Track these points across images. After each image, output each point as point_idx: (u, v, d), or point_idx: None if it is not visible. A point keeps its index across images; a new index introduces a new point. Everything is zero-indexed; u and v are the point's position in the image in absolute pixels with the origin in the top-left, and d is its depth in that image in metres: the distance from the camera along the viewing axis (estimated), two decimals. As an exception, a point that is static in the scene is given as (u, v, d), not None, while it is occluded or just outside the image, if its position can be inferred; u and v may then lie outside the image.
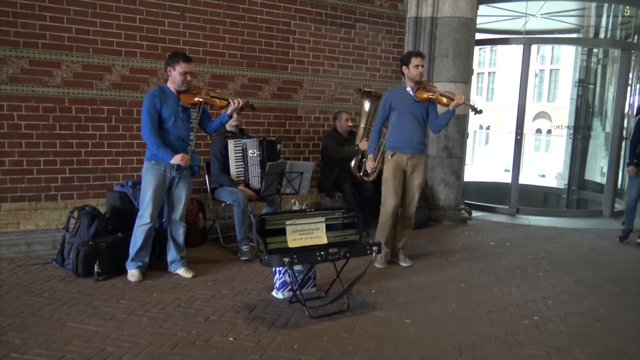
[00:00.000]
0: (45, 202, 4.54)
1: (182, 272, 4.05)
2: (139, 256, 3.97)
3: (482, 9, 6.80)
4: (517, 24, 7.99)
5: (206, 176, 4.97)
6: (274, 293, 3.69)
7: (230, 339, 2.98)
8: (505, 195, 7.36)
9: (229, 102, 4.04)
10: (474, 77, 6.79)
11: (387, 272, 4.29)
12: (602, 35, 8.40)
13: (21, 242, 4.45)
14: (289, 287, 3.61)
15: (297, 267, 3.55)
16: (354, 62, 6.03)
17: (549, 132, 30.01)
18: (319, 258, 3.31)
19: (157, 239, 4.18)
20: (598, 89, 8.66)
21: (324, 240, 3.56)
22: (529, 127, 28.25)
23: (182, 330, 3.07)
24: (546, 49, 31.84)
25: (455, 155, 6.37)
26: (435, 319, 3.39)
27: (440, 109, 4.44)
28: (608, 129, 7.90)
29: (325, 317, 3.32)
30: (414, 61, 4.29)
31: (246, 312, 3.38)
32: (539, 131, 31.36)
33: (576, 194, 8.48)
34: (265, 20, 5.38)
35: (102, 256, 3.90)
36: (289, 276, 3.52)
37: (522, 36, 7.62)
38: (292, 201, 4.41)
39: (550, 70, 33.91)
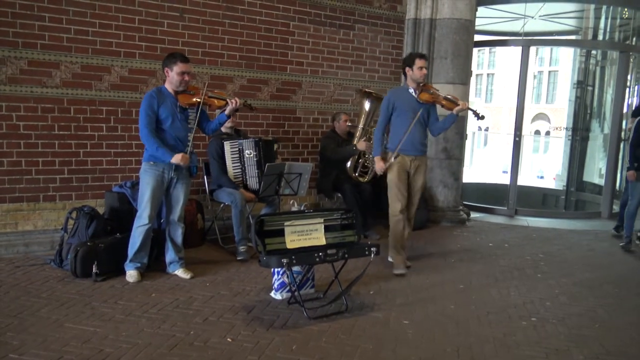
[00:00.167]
0: (43, 202, 4.53)
1: (180, 272, 4.04)
2: (138, 257, 3.96)
3: (481, 11, 6.81)
4: (515, 26, 8.00)
5: (205, 177, 4.97)
6: (272, 294, 3.69)
7: (228, 339, 2.98)
8: (503, 197, 7.37)
9: (227, 102, 4.04)
10: (473, 79, 6.79)
11: (385, 274, 4.29)
12: (600, 37, 8.42)
13: (19, 243, 4.44)
14: (288, 288, 3.61)
15: (295, 268, 3.55)
16: (352, 64, 6.03)
17: (548, 133, 30.05)
18: (317, 259, 3.31)
19: (156, 239, 4.18)
20: (596, 90, 8.68)
21: (322, 241, 3.56)
22: (527, 128, 28.28)
23: (181, 331, 3.07)
24: (545, 50, 31.85)
25: (454, 157, 6.37)
26: (433, 320, 3.39)
27: (440, 111, 4.45)
28: (606, 130, 7.91)
29: (323, 318, 3.32)
30: (418, 63, 4.28)
31: (244, 313, 3.38)
32: (537, 133, 31.40)
33: (574, 196, 8.49)
34: (264, 21, 5.38)
35: (100, 257, 3.89)
36: (288, 277, 3.52)
37: (520, 38, 7.63)
38: (291, 202, 4.42)
39: (549, 71, 33.95)
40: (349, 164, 5.41)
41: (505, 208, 7.14)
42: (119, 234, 4.14)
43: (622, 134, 7.21)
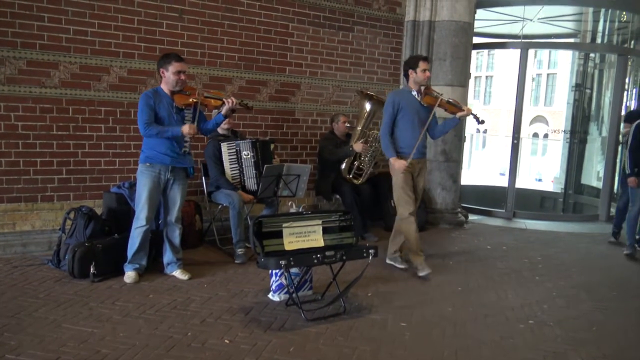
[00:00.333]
0: (41, 202, 4.52)
1: (178, 274, 4.04)
2: (136, 258, 3.96)
3: (480, 13, 6.83)
4: (514, 28, 8.01)
5: (203, 178, 4.96)
6: (270, 295, 3.69)
7: (226, 341, 2.98)
8: (502, 199, 7.37)
9: (224, 102, 4.04)
10: (471, 81, 6.81)
11: (383, 276, 4.30)
12: (599, 40, 8.44)
13: (17, 243, 4.43)
14: (285, 289, 3.61)
15: (293, 270, 3.54)
16: (351, 65, 6.04)
17: (546, 136, 30.10)
18: (315, 261, 3.31)
19: (154, 241, 4.17)
20: (595, 93, 8.69)
21: (320, 243, 3.56)
22: (525, 131, 28.31)
23: (178, 332, 3.07)
24: (543, 53, 31.90)
25: (453, 159, 6.38)
26: (431, 322, 3.39)
27: (439, 113, 4.46)
28: (604, 133, 7.93)
29: (321, 320, 3.32)
30: (422, 65, 4.29)
31: (242, 314, 3.38)
32: (535, 135, 31.46)
33: (572, 198, 8.50)
34: (263, 22, 5.38)
35: (98, 257, 3.89)
36: (286, 279, 3.53)
37: (519, 40, 7.65)
38: (289, 203, 4.42)
39: (547, 74, 34.02)
40: (343, 165, 5.42)
41: (504, 210, 7.15)
42: (116, 234, 4.14)
43: (620, 137, 7.22)
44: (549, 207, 9.10)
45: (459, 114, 4.33)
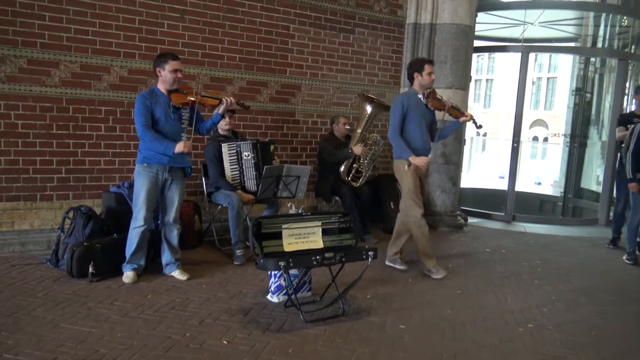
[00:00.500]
0: (40, 202, 4.52)
1: (177, 274, 4.03)
2: (135, 259, 3.95)
3: (481, 17, 6.83)
4: (515, 32, 8.02)
5: (203, 179, 4.96)
6: (269, 297, 3.68)
7: (224, 342, 2.97)
8: (501, 202, 7.37)
9: (221, 101, 4.03)
10: (472, 84, 6.81)
11: (382, 278, 4.29)
12: (599, 44, 8.44)
13: (15, 242, 4.42)
14: (284, 291, 3.60)
15: (292, 271, 3.54)
16: (352, 67, 6.04)
17: (546, 140, 30.11)
18: (314, 262, 3.31)
19: (152, 241, 4.17)
20: (595, 97, 8.69)
21: (320, 244, 3.56)
22: (525, 134, 28.29)
23: (176, 332, 3.06)
24: (544, 57, 31.94)
25: (452, 162, 6.38)
26: (430, 324, 3.39)
27: (439, 116, 4.46)
28: (604, 137, 7.93)
29: (320, 321, 3.32)
30: (427, 68, 4.31)
31: (241, 315, 3.37)
32: (535, 139, 31.47)
33: (572, 202, 8.50)
34: (264, 23, 5.38)
35: (96, 257, 3.88)
36: (285, 280, 3.52)
37: (520, 44, 7.65)
38: (289, 205, 4.41)
39: (548, 78, 34.04)
40: (342, 167, 5.41)
41: (503, 214, 7.14)
42: (115, 234, 4.13)
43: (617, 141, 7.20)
44: (549, 210, 9.10)
45: (461, 119, 4.39)
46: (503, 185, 7.70)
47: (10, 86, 4.30)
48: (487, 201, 8.06)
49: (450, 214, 6.42)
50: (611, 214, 7.26)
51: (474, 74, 6.94)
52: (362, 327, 3.27)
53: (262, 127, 5.52)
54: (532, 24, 7.67)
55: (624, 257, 5.30)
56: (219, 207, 4.83)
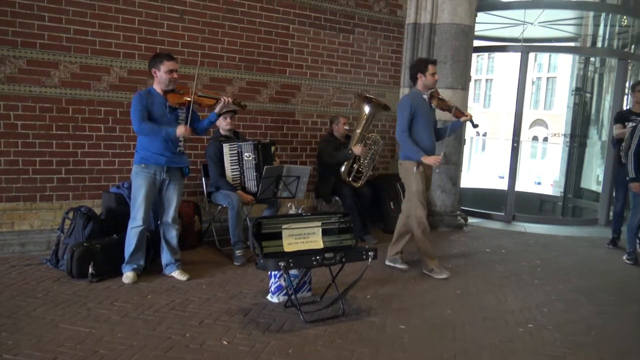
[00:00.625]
0: (40, 202, 4.52)
1: (176, 274, 4.03)
2: (134, 259, 3.95)
3: (481, 17, 6.83)
4: (515, 32, 8.02)
5: (203, 179, 4.96)
6: (268, 297, 3.68)
7: (224, 342, 2.97)
8: (501, 202, 7.37)
9: (217, 101, 4.03)
10: (471, 84, 6.81)
11: (382, 278, 4.29)
12: (599, 44, 8.44)
13: (15, 242, 4.42)
14: (284, 291, 3.60)
15: (292, 272, 3.54)
16: (352, 67, 6.04)
17: (546, 139, 30.11)
18: (314, 262, 3.31)
19: (152, 241, 4.17)
20: (595, 97, 8.69)
21: (320, 244, 3.56)
22: (525, 134, 28.30)
23: (176, 333, 3.06)
24: (543, 56, 31.94)
25: (452, 162, 6.38)
26: (430, 325, 3.39)
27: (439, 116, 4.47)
28: (604, 137, 7.93)
29: (320, 322, 3.32)
30: (431, 69, 4.31)
31: (241, 315, 3.37)
32: (535, 139, 31.46)
33: (572, 202, 8.50)
34: (264, 24, 5.38)
35: (96, 258, 3.88)
36: (285, 280, 3.52)
37: (520, 44, 7.65)
38: (289, 205, 4.41)
39: (548, 78, 34.04)
40: (343, 168, 5.41)
41: (503, 214, 7.14)
42: (115, 234, 4.12)
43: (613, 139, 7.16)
44: (549, 210, 9.10)
45: (462, 118, 4.41)
46: (503, 185, 7.70)
47: (10, 87, 4.29)
48: (487, 201, 8.06)
49: (450, 214, 6.42)
50: (611, 214, 7.27)
51: (473, 74, 6.94)
52: (362, 328, 3.27)
53: (261, 127, 5.52)
54: (531, 23, 7.67)
55: (624, 257, 5.29)
56: (219, 208, 4.83)
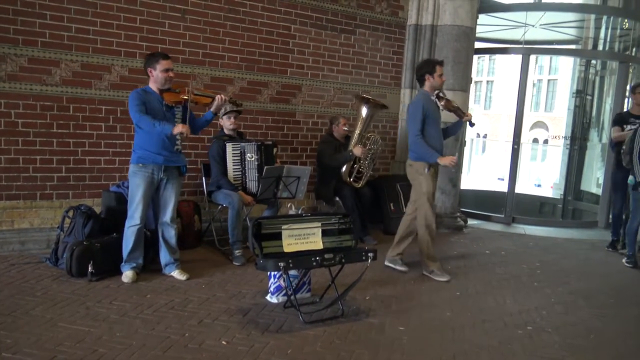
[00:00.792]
0: (40, 200, 4.52)
1: (176, 274, 4.03)
2: (132, 257, 3.95)
3: (482, 18, 6.83)
4: (516, 34, 8.01)
5: (203, 178, 4.95)
6: (268, 297, 3.68)
7: (223, 342, 2.97)
8: (501, 204, 7.36)
9: (214, 99, 4.03)
10: (472, 86, 6.81)
11: (381, 279, 4.29)
12: (600, 47, 8.44)
13: (15, 241, 4.42)
14: (284, 291, 3.60)
15: (292, 272, 3.53)
16: (353, 68, 6.04)
17: (546, 142, 30.13)
18: (314, 263, 3.30)
19: (152, 240, 4.16)
20: (595, 100, 8.69)
21: (319, 245, 3.55)
22: (525, 136, 28.34)
23: (175, 332, 3.06)
24: (544, 59, 31.95)
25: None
26: (429, 326, 3.39)
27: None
28: (604, 140, 7.93)
29: (319, 322, 3.32)
30: (439, 70, 4.31)
31: (240, 315, 3.37)
32: (535, 141, 31.48)
33: (572, 205, 8.50)
34: (265, 24, 5.38)
35: (96, 256, 3.88)
36: (284, 281, 3.52)
37: (521, 46, 7.65)
38: (289, 205, 4.41)
39: (548, 80, 34.05)
40: (344, 168, 5.40)
41: (503, 216, 7.14)
42: (115, 233, 4.12)
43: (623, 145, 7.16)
44: (548, 212, 9.10)
45: (464, 119, 4.42)
46: (503, 187, 7.70)
47: (11, 85, 4.29)
48: (487, 203, 8.06)
49: (450, 216, 6.42)
50: (611, 216, 7.27)
51: (474, 76, 6.93)
52: (361, 329, 3.27)
53: (262, 127, 5.52)
54: (533, 26, 7.67)
55: (624, 260, 5.29)
56: (219, 207, 4.83)
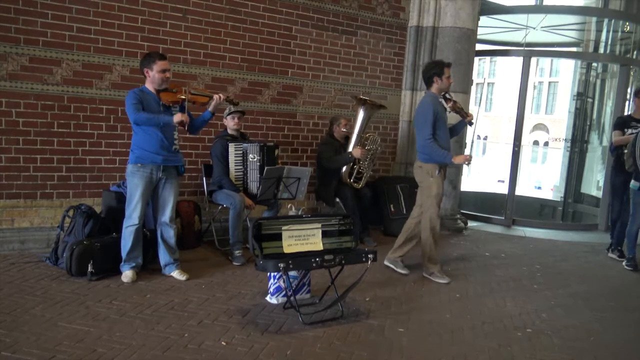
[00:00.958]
0: (40, 200, 4.52)
1: (176, 274, 4.03)
2: (131, 257, 3.95)
3: (483, 20, 6.83)
4: (517, 36, 8.02)
5: (204, 179, 4.95)
6: (267, 298, 3.68)
7: (222, 343, 2.97)
8: (501, 206, 7.37)
9: (211, 98, 4.03)
10: (473, 87, 6.81)
11: (381, 281, 4.29)
12: (601, 49, 8.44)
13: (15, 240, 4.42)
14: (283, 292, 3.59)
15: (291, 273, 3.53)
16: (354, 69, 6.04)
17: (546, 144, 30.14)
18: (314, 264, 3.30)
19: (152, 240, 4.16)
20: (596, 102, 8.69)
21: (319, 246, 3.55)
22: (526, 138, 28.34)
23: (175, 333, 3.06)
24: (545, 61, 31.98)
25: (453, 165, 6.35)
26: (429, 328, 3.38)
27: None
28: (605, 143, 7.93)
29: (318, 323, 3.31)
30: (447, 72, 4.30)
31: (239, 316, 3.37)
32: (536, 143, 31.50)
33: (572, 207, 8.50)
34: (267, 24, 5.38)
35: (96, 256, 3.88)
36: (284, 281, 3.51)
37: (522, 48, 7.65)
38: (289, 206, 4.41)
39: (549, 82, 34.08)
40: (344, 169, 5.40)
41: (503, 218, 7.14)
42: (115, 233, 4.12)
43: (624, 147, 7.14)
44: (548, 215, 9.10)
45: (467, 119, 4.45)
46: (503, 189, 7.70)
47: (12, 84, 4.30)
48: (487, 205, 8.06)
49: (450, 217, 6.41)
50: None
51: (475, 78, 6.93)
52: (360, 330, 3.27)
53: (263, 128, 5.52)
54: (534, 28, 7.67)
55: (624, 263, 5.29)
56: (219, 207, 4.83)
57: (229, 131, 4.78)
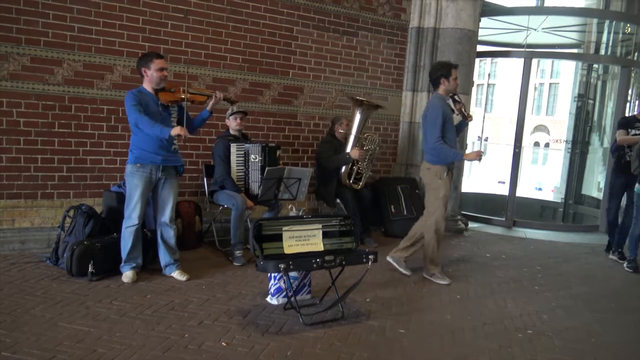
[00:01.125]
0: (41, 200, 4.52)
1: (176, 274, 4.02)
2: (131, 257, 3.95)
3: (484, 22, 6.83)
4: (518, 38, 8.02)
5: (204, 179, 4.95)
6: (268, 299, 3.67)
7: (223, 344, 2.97)
8: (501, 207, 7.36)
9: (209, 97, 4.03)
10: (474, 89, 6.81)
11: (382, 281, 4.28)
12: (602, 51, 8.44)
13: (15, 240, 4.42)
14: (284, 293, 3.59)
15: (292, 274, 3.53)
16: (355, 70, 6.04)
17: (547, 145, 30.13)
18: (314, 265, 3.30)
19: (153, 240, 4.16)
20: (597, 104, 8.69)
21: (320, 247, 3.55)
22: (527, 140, 28.34)
23: (175, 333, 3.05)
24: (546, 62, 31.97)
25: (453, 166, 6.35)
26: (429, 329, 3.38)
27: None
28: (606, 144, 7.92)
29: (319, 324, 3.31)
30: (454, 73, 4.29)
31: (240, 317, 3.37)
32: (537, 144, 31.49)
33: (572, 208, 8.50)
34: (268, 25, 5.38)
35: (96, 256, 3.88)
36: (284, 282, 3.51)
37: (523, 49, 7.65)
38: (289, 207, 4.40)
39: (550, 84, 34.08)
40: (343, 169, 5.39)
41: (503, 219, 7.13)
42: (115, 233, 4.11)
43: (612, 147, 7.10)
44: (549, 216, 9.09)
45: (468, 119, 4.49)
46: (504, 191, 7.69)
47: (13, 84, 4.30)
48: (488, 206, 8.05)
49: (451, 219, 6.40)
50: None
51: (476, 79, 6.94)
52: (361, 331, 3.26)
53: (264, 128, 5.52)
54: (535, 29, 7.67)
55: (624, 265, 5.28)
56: (220, 208, 4.82)
57: (231, 131, 4.78)
